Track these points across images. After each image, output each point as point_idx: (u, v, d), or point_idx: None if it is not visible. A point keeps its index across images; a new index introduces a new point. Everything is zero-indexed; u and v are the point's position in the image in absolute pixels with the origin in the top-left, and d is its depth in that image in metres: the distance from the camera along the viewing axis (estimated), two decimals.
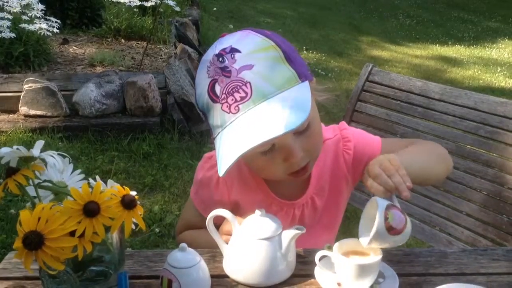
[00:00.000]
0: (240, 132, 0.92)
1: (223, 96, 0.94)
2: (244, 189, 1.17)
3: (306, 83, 0.97)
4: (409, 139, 1.26)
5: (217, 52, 0.97)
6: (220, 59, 0.96)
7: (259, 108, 0.92)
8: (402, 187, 0.94)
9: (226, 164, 0.93)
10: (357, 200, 1.85)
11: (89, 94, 3.64)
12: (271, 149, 1.00)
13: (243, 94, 0.93)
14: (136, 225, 0.88)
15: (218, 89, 0.95)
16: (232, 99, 0.93)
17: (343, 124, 1.23)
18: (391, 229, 0.91)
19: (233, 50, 0.96)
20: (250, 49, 0.96)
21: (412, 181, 0.97)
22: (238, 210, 1.16)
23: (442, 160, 1.20)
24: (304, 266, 1.06)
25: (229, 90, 0.94)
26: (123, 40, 4.86)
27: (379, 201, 0.92)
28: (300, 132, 1.00)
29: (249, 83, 0.93)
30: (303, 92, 0.95)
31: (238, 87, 0.93)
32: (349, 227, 2.74)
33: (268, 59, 0.95)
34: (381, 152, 1.18)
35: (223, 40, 1.00)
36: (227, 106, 0.94)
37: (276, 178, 1.10)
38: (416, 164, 1.08)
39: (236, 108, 0.93)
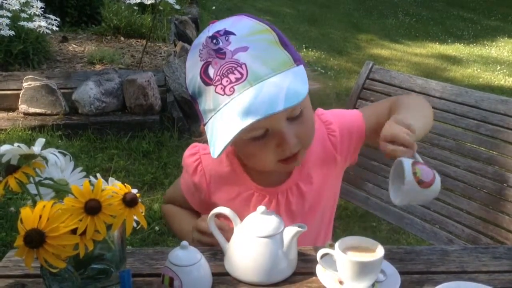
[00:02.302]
0: (238, 110, 0.90)
1: (217, 78, 0.92)
2: (223, 183, 1.17)
3: (301, 66, 0.96)
4: (387, 99, 1.24)
5: (210, 34, 0.96)
6: (214, 41, 0.94)
7: (256, 89, 0.90)
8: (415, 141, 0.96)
9: (223, 143, 0.91)
10: (358, 198, 1.85)
11: (89, 92, 3.63)
12: (263, 135, 0.99)
13: (238, 76, 0.91)
14: (138, 223, 0.88)
15: (211, 71, 0.93)
16: (227, 81, 0.91)
17: (319, 110, 1.21)
18: (421, 183, 0.91)
19: (228, 33, 0.95)
20: (245, 32, 0.95)
21: (420, 137, 1.00)
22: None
23: (430, 110, 1.22)
24: (305, 264, 1.06)
25: (224, 71, 0.92)
26: (122, 38, 4.85)
27: (404, 159, 0.93)
28: (293, 118, 1.00)
29: (245, 64, 0.91)
30: (300, 74, 0.94)
31: (233, 69, 0.91)
32: (349, 225, 2.76)
33: (263, 41, 0.95)
34: (365, 123, 1.19)
35: (216, 24, 0.99)
36: (221, 88, 0.92)
37: (265, 166, 1.07)
38: (419, 121, 1.07)
39: (231, 89, 0.91)
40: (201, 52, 0.95)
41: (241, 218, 1.10)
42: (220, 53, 0.93)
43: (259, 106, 0.88)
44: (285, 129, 0.99)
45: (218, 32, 0.95)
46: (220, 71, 0.92)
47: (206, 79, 0.94)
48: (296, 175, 1.17)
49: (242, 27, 0.96)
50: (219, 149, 0.92)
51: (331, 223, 1.30)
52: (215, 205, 1.16)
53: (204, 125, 0.99)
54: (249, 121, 0.88)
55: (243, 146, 1.03)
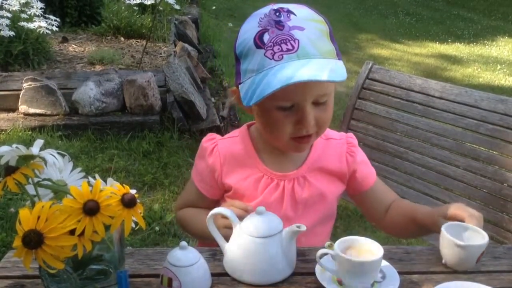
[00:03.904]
0: (284, 72, 0.98)
1: (270, 44, 1.02)
2: (236, 164, 1.22)
3: (341, 62, 1.05)
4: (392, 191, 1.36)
5: (275, 7, 1.06)
6: (277, 14, 1.05)
7: (302, 62, 0.99)
8: None
9: (263, 92, 0.99)
10: None
11: (89, 92, 3.63)
12: (289, 108, 1.07)
13: (290, 47, 1.00)
14: (136, 223, 0.88)
15: (266, 37, 1.03)
16: (278, 48, 1.01)
17: (352, 134, 1.30)
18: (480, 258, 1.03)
19: (290, 12, 1.05)
20: (304, 15, 1.06)
21: None
22: (231, 188, 1.22)
23: None
24: (305, 264, 1.06)
25: (278, 40, 1.01)
26: (122, 38, 4.85)
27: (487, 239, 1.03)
28: (318, 103, 1.08)
29: (298, 40, 1.01)
30: (341, 65, 1.04)
31: (287, 40, 1.01)
32: (350, 225, 2.76)
33: (318, 29, 1.05)
34: (374, 183, 1.28)
35: (279, 4, 1.08)
36: (271, 53, 1.01)
37: (279, 138, 1.13)
38: None
39: (280, 56, 1.00)
40: (261, 20, 1.05)
41: (250, 198, 1.20)
42: (279, 24, 1.03)
43: (305, 73, 0.97)
44: (309, 109, 1.07)
45: (282, 8, 1.06)
46: (275, 39, 1.02)
47: (259, 43, 1.03)
48: (306, 168, 1.22)
49: (303, 12, 1.07)
50: (258, 97, 1.00)
51: (330, 230, 1.32)
52: (226, 187, 1.23)
53: (239, 84, 1.08)
54: (294, 80, 0.96)
55: (268, 112, 1.10)
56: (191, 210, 1.31)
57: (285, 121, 1.09)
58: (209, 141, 1.26)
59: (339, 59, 1.06)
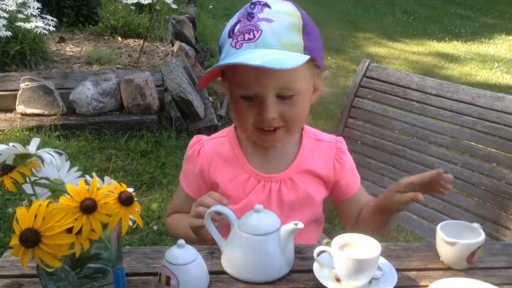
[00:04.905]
0: (231, 58, 1.04)
1: (237, 33, 1.07)
2: (223, 165, 1.23)
3: (307, 57, 1.04)
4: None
5: (254, 1, 1.10)
6: (252, 6, 1.09)
7: (256, 51, 1.03)
8: None
9: (207, 71, 1.06)
10: None
11: (86, 92, 3.63)
12: (252, 98, 1.09)
13: (251, 36, 1.04)
14: (134, 222, 0.88)
15: (237, 28, 1.08)
16: (241, 38, 1.06)
17: (342, 139, 1.30)
18: (469, 259, 1.03)
19: (266, 5, 1.08)
20: (279, 9, 1.08)
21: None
22: (218, 187, 1.23)
23: None
24: (302, 261, 1.06)
25: (244, 30, 1.06)
26: (119, 38, 4.85)
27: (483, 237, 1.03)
28: (283, 97, 1.09)
29: (262, 31, 1.04)
30: (298, 58, 1.03)
31: (251, 30, 1.05)
32: None
33: (288, 22, 1.06)
34: (357, 191, 1.30)
35: None
36: (235, 42, 1.06)
37: (245, 128, 1.16)
38: None
39: (240, 45, 1.05)
40: (240, 12, 1.11)
41: (237, 200, 1.21)
42: (250, 16, 1.07)
43: (245, 58, 1.00)
44: (270, 102, 1.08)
45: (259, 1, 1.09)
46: (242, 29, 1.06)
47: (231, 33, 1.09)
48: (292, 170, 1.22)
49: (280, 6, 1.09)
50: (201, 79, 1.10)
51: (318, 233, 1.33)
52: (214, 186, 1.23)
53: None
54: (226, 61, 1.03)
55: (235, 102, 1.14)
56: (176, 216, 1.30)
57: (248, 111, 1.11)
58: (196, 143, 1.27)
59: (305, 53, 1.05)
